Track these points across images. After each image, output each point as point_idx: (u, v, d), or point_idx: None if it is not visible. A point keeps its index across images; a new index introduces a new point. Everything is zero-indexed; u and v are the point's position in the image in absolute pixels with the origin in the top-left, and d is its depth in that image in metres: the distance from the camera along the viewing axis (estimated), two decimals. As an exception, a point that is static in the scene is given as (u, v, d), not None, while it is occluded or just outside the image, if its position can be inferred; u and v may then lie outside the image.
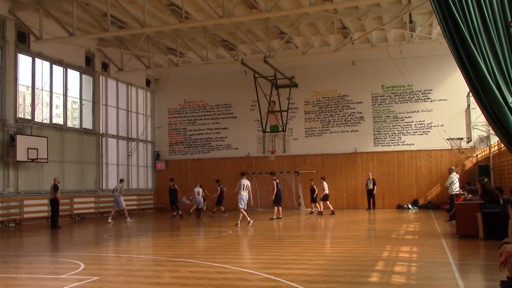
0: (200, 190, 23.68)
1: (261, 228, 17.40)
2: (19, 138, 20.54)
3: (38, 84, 23.13)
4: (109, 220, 21.42)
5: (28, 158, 20.77)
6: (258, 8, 21.35)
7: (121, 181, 23.34)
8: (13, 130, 20.93)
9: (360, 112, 28.68)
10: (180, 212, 23.39)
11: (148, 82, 31.61)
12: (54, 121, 24.22)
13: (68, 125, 24.95)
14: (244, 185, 17.99)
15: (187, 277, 8.35)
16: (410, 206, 27.02)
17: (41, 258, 11.40)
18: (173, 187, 23.53)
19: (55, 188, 19.36)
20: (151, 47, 26.34)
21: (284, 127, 27.41)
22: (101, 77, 27.09)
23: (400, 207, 27.19)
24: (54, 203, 19.41)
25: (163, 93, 31.82)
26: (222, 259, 10.22)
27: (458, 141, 25.28)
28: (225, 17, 18.90)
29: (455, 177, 18.89)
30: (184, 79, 31.04)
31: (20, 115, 22.07)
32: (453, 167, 19.73)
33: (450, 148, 25.99)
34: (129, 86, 29.78)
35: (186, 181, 30.66)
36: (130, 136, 29.70)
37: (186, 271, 8.86)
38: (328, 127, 29.13)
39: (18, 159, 20.41)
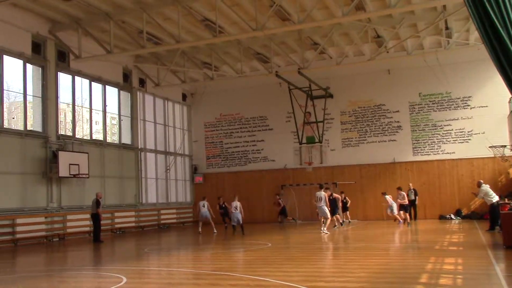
0: (239, 204, 21.74)
1: (301, 240, 17.26)
2: (61, 154, 21.07)
3: (78, 101, 23.76)
4: (199, 230, 22.27)
5: (70, 174, 21.28)
6: (291, 20, 21.39)
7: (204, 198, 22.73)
8: (55, 146, 21.51)
9: (398, 121, 28.26)
10: (226, 225, 23.60)
11: (184, 97, 32.02)
12: (94, 137, 24.77)
13: (107, 141, 25.48)
14: (317, 197, 19.22)
15: (228, 291, 8.33)
16: (452, 216, 26.33)
17: (84, 272, 11.59)
18: (223, 205, 23.68)
19: (97, 203, 19.73)
20: (186, 62, 26.70)
21: (321, 138, 27.25)
22: (138, 92, 27.60)
23: (442, 217, 26.53)
24: (95, 218, 19.75)
25: (199, 107, 32.17)
26: (262, 272, 10.16)
27: (501, 148, 24.54)
28: (259, 30, 19.01)
29: (485, 187, 18.19)
30: (219, 93, 31.30)
31: (62, 131, 22.65)
32: (481, 180, 19.20)
33: (493, 156, 25.25)
34: (166, 101, 30.23)
35: (224, 194, 30.71)
36: (168, 150, 30.07)
37: (227, 285, 8.85)
38: (365, 137, 28.80)
39: (60, 175, 20.93)
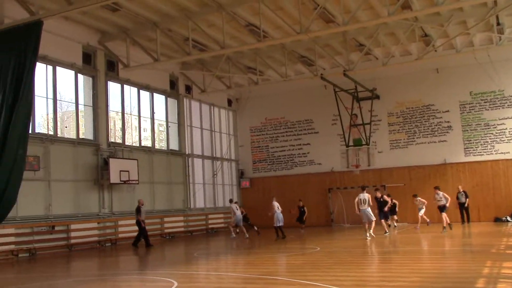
0: (278, 204, 21.04)
1: (350, 244, 17.02)
2: (111, 161, 21.63)
3: (127, 109, 24.34)
4: (246, 235, 22.02)
5: (120, 180, 21.79)
6: (335, 22, 21.20)
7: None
8: (106, 154, 22.09)
9: (448, 121, 27.49)
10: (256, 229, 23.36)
11: (229, 102, 32.26)
12: (143, 143, 25.30)
13: (156, 147, 25.97)
14: (361, 199, 18.29)
15: (278, 295, 8.29)
16: (509, 218, 25.34)
17: (136, 276, 11.81)
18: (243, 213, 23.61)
19: (137, 210, 20.24)
20: (231, 68, 26.90)
21: (368, 140, 26.83)
22: (185, 99, 28.02)
23: (498, 220, 25.56)
24: (138, 224, 20.26)
25: (245, 111, 32.34)
26: (311, 277, 10.05)
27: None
28: (303, 33, 18.91)
29: None
30: (264, 97, 31.35)
31: (112, 139, 23.24)
32: None
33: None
34: (212, 107, 30.54)
35: (271, 198, 30.69)
36: (214, 156, 30.35)
37: (277, 289, 8.81)
38: (414, 138, 28.16)
39: (111, 181, 21.46)
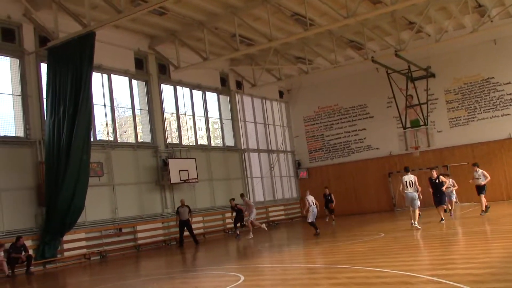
0: (312, 198, 18.88)
1: (413, 228, 16.59)
2: (170, 162, 22.11)
3: (181, 110, 24.79)
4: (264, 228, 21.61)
5: (180, 180, 22.26)
6: (383, 2, 20.69)
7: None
8: (165, 155, 22.62)
9: (510, 94, 26.28)
10: (238, 232, 21.71)
11: (281, 94, 32.21)
12: (199, 142, 25.72)
13: (212, 145, 26.34)
14: (406, 181, 15.89)
15: (345, 284, 8.23)
16: None
17: (203, 272, 12.05)
18: (235, 207, 22.06)
19: (177, 211, 20.81)
20: (280, 59, 26.83)
21: (426, 121, 26.11)
22: (236, 95, 28.22)
23: None
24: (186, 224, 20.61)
25: (297, 102, 32.20)
26: (378, 263, 9.91)
27: None
28: (350, 17, 18.59)
29: None
30: (315, 86, 31.09)
31: (169, 140, 23.75)
32: None
33: None
34: (264, 100, 30.60)
35: (329, 187, 30.50)
36: (270, 148, 30.42)
37: (343, 277, 8.74)
38: (474, 114, 27.12)
39: (172, 181, 21.95)
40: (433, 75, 27.64)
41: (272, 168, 30.26)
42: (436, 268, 8.81)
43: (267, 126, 30.61)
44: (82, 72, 16.69)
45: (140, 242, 20.52)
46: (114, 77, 21.23)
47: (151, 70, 22.90)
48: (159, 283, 11.00)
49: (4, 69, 17.78)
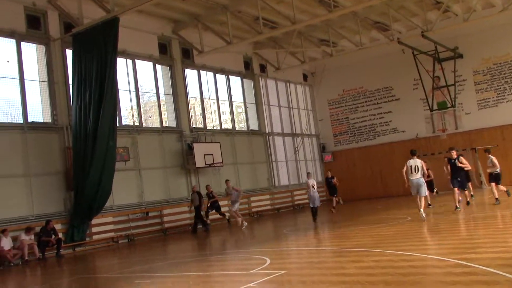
0: (313, 182, 17.90)
1: (442, 212, 16.39)
2: (195, 146, 22.23)
3: (205, 94, 24.83)
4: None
5: (205, 164, 22.38)
6: (409, -18, 20.25)
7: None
8: (190, 139, 22.75)
9: (541, 74, 25.58)
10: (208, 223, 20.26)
11: (305, 77, 31.98)
12: (223, 126, 25.76)
13: (236, 129, 26.37)
14: (411, 166, 14.22)
15: (371, 267, 8.18)
16: None
17: (230, 256, 12.13)
18: (210, 194, 20.34)
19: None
20: (304, 42, 26.57)
21: (453, 102, 25.63)
22: (260, 78, 28.12)
23: None
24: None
25: (321, 85, 31.92)
26: (405, 247, 9.82)
27: None
28: (375, -3, 18.24)
29: None
30: (340, 69, 30.73)
31: (194, 125, 23.86)
32: None
33: None
34: (288, 84, 30.42)
35: (355, 170, 30.37)
36: (294, 132, 30.32)
37: (370, 261, 8.69)
38: (504, 95, 26.47)
39: (197, 165, 22.09)
40: (460, 56, 27.04)
41: (297, 152, 30.17)
42: (464, 251, 8.67)
43: (291, 109, 30.46)
44: (107, 58, 16.81)
45: (166, 225, 20.75)
46: (138, 62, 21.34)
47: (175, 55, 22.94)
48: (186, 266, 11.11)
49: (31, 56, 18.02)
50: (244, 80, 27.18)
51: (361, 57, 28.69)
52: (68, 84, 18.25)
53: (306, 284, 7.30)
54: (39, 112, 17.93)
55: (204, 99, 24.69)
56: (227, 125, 26.55)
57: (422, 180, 14.26)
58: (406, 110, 28.94)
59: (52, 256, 16.20)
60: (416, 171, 14.14)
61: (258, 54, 27.78)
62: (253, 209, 25.45)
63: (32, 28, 17.77)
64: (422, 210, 13.99)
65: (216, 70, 25.15)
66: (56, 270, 13.89)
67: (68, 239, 17.14)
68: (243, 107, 27.68)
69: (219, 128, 25.28)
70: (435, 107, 26.04)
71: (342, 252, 10.47)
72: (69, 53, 18.34)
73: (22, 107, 17.20)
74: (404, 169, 14.40)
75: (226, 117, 27.68)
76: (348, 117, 31.27)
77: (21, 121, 17.13)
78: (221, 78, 25.71)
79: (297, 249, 12.38)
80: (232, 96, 26.26)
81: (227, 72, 25.84)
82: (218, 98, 25.43)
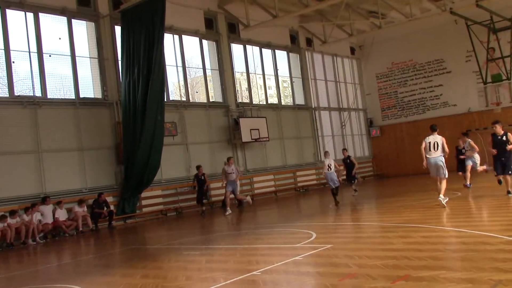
0: (333, 162, 16.07)
1: (494, 188, 15.86)
2: (242, 121, 22.32)
3: (251, 69, 24.80)
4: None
5: (251, 139, 22.47)
6: None
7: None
8: (236, 114, 22.85)
9: None
10: (203, 208, 18.68)
11: (352, 50, 31.36)
12: (269, 101, 25.71)
13: (282, 103, 26.27)
14: (430, 143, 12.53)
15: (420, 243, 8.05)
16: None
17: (276, 229, 12.22)
18: (201, 176, 18.57)
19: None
20: (351, 14, 25.95)
21: (509, 75, 24.56)
22: (306, 52, 27.78)
23: None
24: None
25: (369, 58, 31.25)
26: (455, 223, 9.62)
27: None
28: (427, -34, 17.54)
29: None
30: (389, 41, 29.92)
31: (240, 100, 23.92)
32: None
33: None
34: (334, 57, 29.93)
35: (403, 145, 29.78)
36: (341, 106, 29.93)
37: (419, 237, 8.56)
38: None
39: (243, 140, 22.22)
40: (517, 26, 25.78)
41: (344, 127, 29.83)
42: (519, 229, 8.41)
43: (338, 83, 30.03)
44: (154, 34, 17.00)
45: (213, 199, 21.06)
46: (185, 37, 21.47)
47: (221, 30, 22.93)
48: (233, 239, 11.28)
49: (81, 33, 18.44)
50: (290, 54, 26.94)
51: (411, 28, 27.76)
52: (118, 60, 18.62)
53: (353, 259, 7.27)
54: (90, 88, 18.42)
55: (250, 74, 24.67)
56: (273, 100, 26.48)
57: (442, 159, 12.37)
58: (458, 83, 27.98)
59: (104, 228, 16.81)
60: (436, 149, 12.36)
61: (304, 28, 27.39)
62: (299, 184, 25.45)
63: (82, 5, 18.13)
64: (442, 195, 12.14)
65: (262, 45, 25.00)
66: (108, 240, 14.41)
67: (119, 211, 17.71)
68: (289, 81, 27.50)
69: (265, 103, 25.25)
70: (489, 79, 25.07)
71: (389, 228, 10.35)
72: (118, 29, 18.65)
73: (74, 84, 17.70)
74: (423, 146, 12.55)
75: (272, 91, 27.59)
76: (397, 90, 30.56)
77: (73, 97, 17.66)
78: (267, 52, 25.57)
79: (343, 223, 12.34)
80: (278, 71, 26.11)
81: (273, 47, 25.66)
82: (264, 73, 25.35)
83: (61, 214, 15.92)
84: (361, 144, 31.07)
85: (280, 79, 26.58)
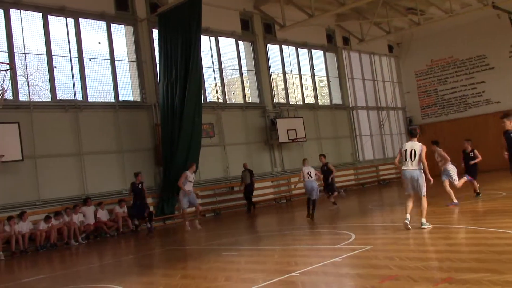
0: (313, 170, 14.65)
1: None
2: (278, 121, 22.27)
3: (287, 69, 24.70)
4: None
5: (288, 139, 22.39)
6: None
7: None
8: (273, 115, 22.83)
9: None
10: (150, 226, 15.86)
11: (390, 48, 30.87)
12: (306, 101, 25.58)
13: (319, 103, 26.09)
14: (405, 151, 9.98)
15: (463, 244, 7.85)
16: None
17: (315, 230, 12.12)
18: (139, 185, 15.66)
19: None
20: (389, 12, 25.52)
21: (555, 70, 23.66)
22: (343, 51, 27.52)
23: None
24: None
25: (408, 56, 30.69)
26: (500, 224, 9.29)
27: None
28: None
29: None
30: (428, 38, 29.30)
31: (276, 100, 23.87)
32: None
33: None
34: (372, 56, 29.54)
35: (444, 143, 28.95)
36: (379, 105, 29.51)
37: (461, 238, 8.34)
38: None
39: (280, 141, 22.16)
40: None
41: (382, 126, 29.40)
42: None
43: (375, 82, 29.62)
44: (191, 36, 17.16)
45: (256, 199, 21.04)
46: (221, 39, 21.59)
47: (257, 30, 22.95)
48: (272, 240, 11.25)
49: (119, 37, 18.78)
50: (326, 53, 26.74)
51: (451, 24, 27.13)
52: (155, 63, 18.87)
53: (393, 260, 7.13)
54: (129, 91, 18.74)
55: (286, 74, 24.60)
56: (310, 99, 26.32)
57: (419, 172, 9.83)
58: (501, 80, 27.14)
59: (144, 228, 17.04)
60: (413, 158, 9.80)
61: (341, 26, 27.12)
62: (337, 184, 25.14)
63: (121, 9, 18.46)
64: (423, 219, 9.78)
65: (298, 44, 24.90)
66: (148, 241, 14.61)
67: (158, 212, 17.92)
68: (325, 81, 27.29)
69: (301, 103, 25.14)
70: (534, 75, 24.20)
71: (433, 229, 10.09)
72: (155, 32, 18.91)
73: (113, 87, 18.04)
74: (397, 157, 10.35)
75: (308, 91, 27.43)
76: (437, 88, 29.88)
77: (113, 100, 18.00)
78: (303, 52, 25.45)
79: (383, 224, 12.13)
80: (315, 70, 25.95)
81: (309, 46, 25.51)
82: (301, 73, 25.24)
83: (103, 215, 16.25)
84: (400, 143, 30.49)
85: (316, 78, 26.42)
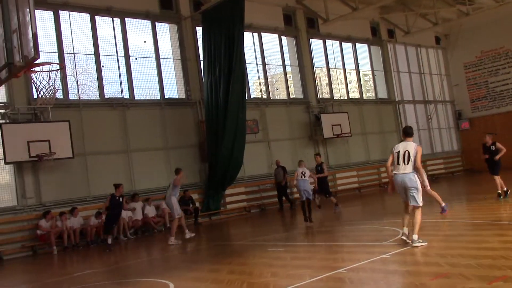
0: (307, 170, 14.23)
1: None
2: (323, 117, 22.07)
3: (331, 64, 24.45)
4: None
5: (333, 134, 22.16)
6: None
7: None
8: (317, 110, 22.64)
9: None
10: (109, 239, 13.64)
11: (437, 40, 30.05)
12: (350, 96, 25.24)
13: (364, 98, 25.69)
14: (397, 153, 8.60)
15: (518, 241, 7.54)
16: None
17: (361, 227, 11.94)
18: (119, 198, 13.53)
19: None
20: (436, 2, 24.83)
21: None
22: (388, 44, 26.97)
23: None
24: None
25: (456, 48, 29.78)
26: (558, 220, 8.90)
27: None
28: None
29: None
30: (477, 28, 28.33)
31: (320, 95, 23.66)
32: None
33: None
34: (418, 48, 28.83)
35: (496, 137, 27.99)
36: (427, 99, 28.80)
37: (516, 235, 8.02)
38: None
39: (325, 136, 21.96)
40: None
41: (430, 120, 28.68)
42: None
43: (422, 75, 28.91)
44: (234, 33, 17.21)
45: (296, 196, 20.98)
46: (264, 35, 21.57)
47: (300, 25, 22.79)
48: (318, 236, 11.17)
49: (164, 35, 19.05)
50: (371, 47, 26.28)
51: (502, 13, 26.10)
52: (199, 60, 19.05)
53: (444, 257, 6.93)
54: (174, 88, 19.00)
55: (330, 69, 24.35)
56: (355, 94, 25.95)
57: (413, 177, 8.50)
58: (556, 70, 25.98)
59: (190, 224, 17.24)
60: (406, 162, 8.46)
61: (385, 19, 26.58)
62: (384, 180, 24.75)
63: (165, 8, 18.72)
64: (415, 235, 8.25)
65: (342, 38, 24.58)
66: (194, 237, 14.76)
67: (204, 208, 18.12)
68: (370, 75, 26.84)
69: (346, 98, 24.83)
70: None
71: (482, 225, 9.78)
72: (199, 30, 19.09)
73: (159, 85, 18.34)
74: (390, 159, 8.74)
75: (353, 86, 27.05)
76: (487, 80, 28.89)
77: (159, 98, 18.29)
78: (347, 46, 25.11)
79: (432, 220, 11.80)
80: (359, 64, 25.56)
81: (353, 40, 25.14)
82: (345, 67, 24.91)
83: (150, 211, 16.55)
84: (449, 138, 29.75)
85: (361, 72, 26.03)
